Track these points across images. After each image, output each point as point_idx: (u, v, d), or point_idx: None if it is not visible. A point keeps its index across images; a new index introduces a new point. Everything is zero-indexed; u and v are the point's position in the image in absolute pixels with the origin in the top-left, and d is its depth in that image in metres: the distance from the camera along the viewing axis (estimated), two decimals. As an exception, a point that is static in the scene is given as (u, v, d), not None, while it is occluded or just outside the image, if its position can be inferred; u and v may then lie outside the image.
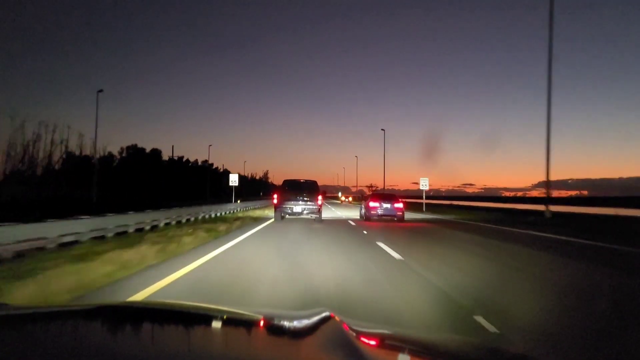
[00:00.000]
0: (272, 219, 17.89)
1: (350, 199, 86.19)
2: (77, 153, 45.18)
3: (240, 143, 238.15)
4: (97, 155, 49.03)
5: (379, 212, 19.13)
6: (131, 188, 53.38)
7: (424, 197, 35.98)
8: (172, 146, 54.48)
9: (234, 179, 30.00)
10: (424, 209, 34.03)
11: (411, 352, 1.35)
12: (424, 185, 33.83)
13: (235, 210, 26.11)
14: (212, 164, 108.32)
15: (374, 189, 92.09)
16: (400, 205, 19.52)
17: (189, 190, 73.06)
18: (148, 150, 73.62)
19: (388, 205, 19.29)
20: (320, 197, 17.14)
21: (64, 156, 37.58)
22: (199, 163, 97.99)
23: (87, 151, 47.48)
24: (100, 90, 34.29)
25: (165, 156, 78.55)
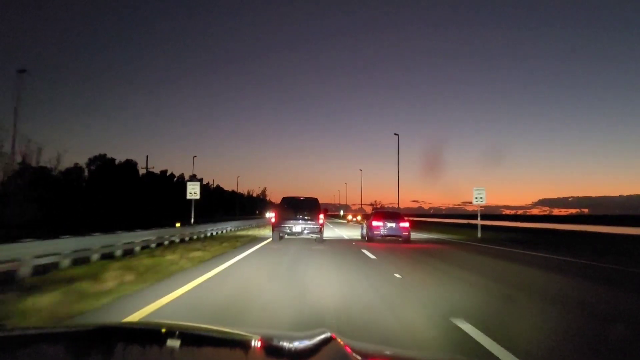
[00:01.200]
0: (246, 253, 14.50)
1: (359, 217, 74.63)
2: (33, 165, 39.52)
3: (238, 160, 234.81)
4: (55, 166, 41.88)
5: (382, 231, 17.32)
6: (103, 206, 47.60)
7: (479, 216, 23.26)
8: (147, 156, 45.15)
9: (193, 190, 19.77)
10: (480, 234, 22.76)
11: None
12: (480, 198, 22.15)
13: (198, 236, 18.95)
14: (201, 179, 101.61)
15: (378, 206, 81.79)
16: (407, 224, 17.74)
17: (173, 208, 65.79)
18: (122, 160, 65.21)
19: (393, 225, 17.43)
20: (321, 216, 16.14)
21: (16, 169, 32.61)
22: (186, 178, 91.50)
23: (47, 163, 41.44)
24: (22, 71, 27.51)
25: (146, 169, 72.03)
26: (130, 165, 63.64)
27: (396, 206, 38.46)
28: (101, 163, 61.61)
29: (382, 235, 17.12)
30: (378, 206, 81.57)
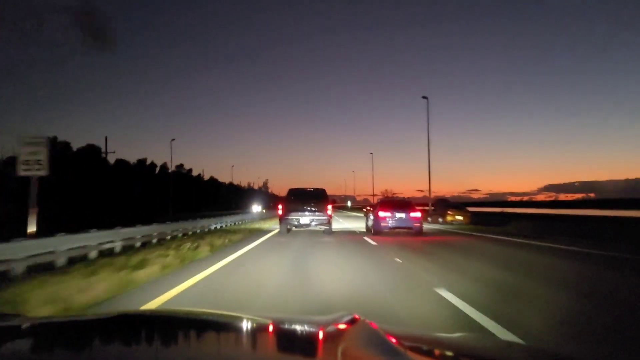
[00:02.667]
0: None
1: None
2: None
3: (238, 152, 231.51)
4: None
5: (391, 223, 15.63)
6: (52, 201, 38.77)
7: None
8: (105, 138, 40.20)
9: (32, 157, 9.65)
10: None
11: (442, 351, 1.37)
12: None
13: None
14: (190, 169, 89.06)
15: (391, 195, 74.26)
16: (418, 214, 16.06)
17: (155, 202, 55.62)
18: (83, 145, 54.48)
19: (402, 215, 15.71)
20: (330, 207, 16.04)
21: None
22: (172, 169, 76.63)
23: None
24: None
25: (105, 154, 55.73)
26: (94, 151, 52.04)
27: (395, 197, 35.20)
28: (51, 148, 50.97)
29: (390, 227, 15.48)
30: (390, 195, 73.22)
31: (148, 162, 75.69)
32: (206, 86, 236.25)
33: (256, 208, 57.58)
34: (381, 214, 15.62)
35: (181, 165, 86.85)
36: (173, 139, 51.81)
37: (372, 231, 16.23)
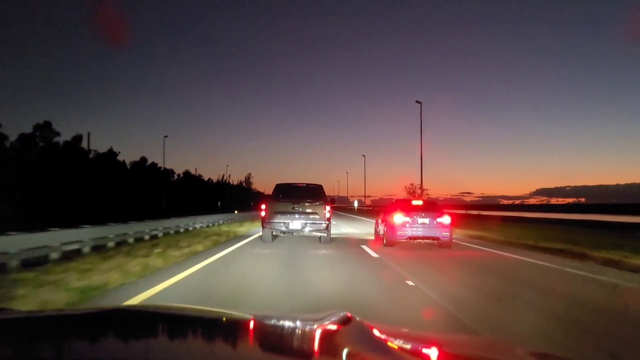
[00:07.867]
0: None
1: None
2: None
3: (222, 149, 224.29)
4: None
5: (410, 231, 12.31)
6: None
7: None
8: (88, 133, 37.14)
9: None
10: None
11: (436, 350, 1.38)
12: None
13: None
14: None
15: (426, 194, 51.65)
16: (448, 219, 12.45)
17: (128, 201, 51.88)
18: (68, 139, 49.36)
19: (426, 221, 12.37)
20: (328, 208, 13.51)
21: None
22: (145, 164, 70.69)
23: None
24: None
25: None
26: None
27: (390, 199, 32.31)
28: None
29: (409, 237, 12.27)
30: (418, 192, 54.50)
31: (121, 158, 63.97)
32: (193, 81, 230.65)
33: None
34: (397, 219, 12.42)
35: (144, 159, 75.06)
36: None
37: (384, 241, 13.07)
